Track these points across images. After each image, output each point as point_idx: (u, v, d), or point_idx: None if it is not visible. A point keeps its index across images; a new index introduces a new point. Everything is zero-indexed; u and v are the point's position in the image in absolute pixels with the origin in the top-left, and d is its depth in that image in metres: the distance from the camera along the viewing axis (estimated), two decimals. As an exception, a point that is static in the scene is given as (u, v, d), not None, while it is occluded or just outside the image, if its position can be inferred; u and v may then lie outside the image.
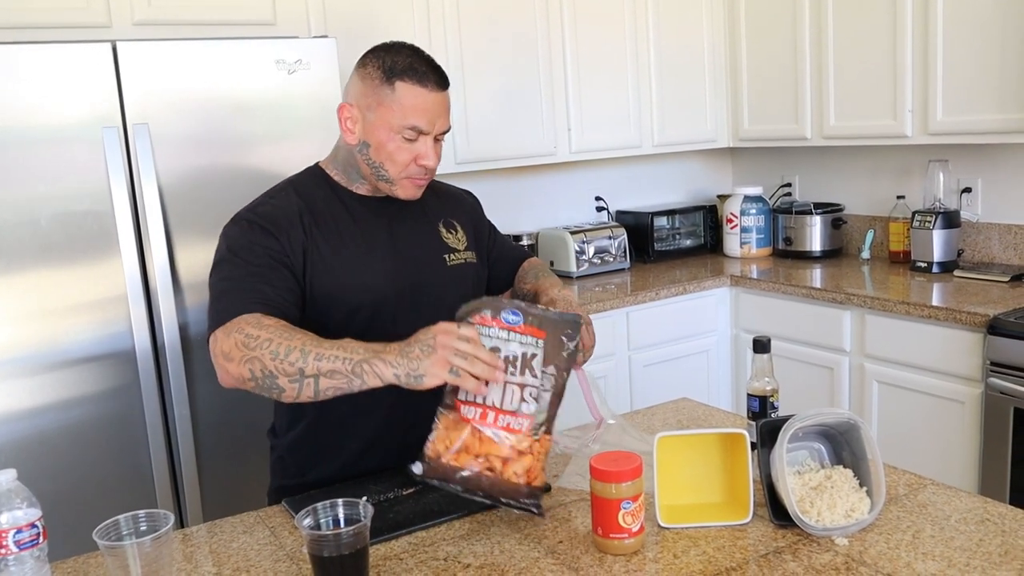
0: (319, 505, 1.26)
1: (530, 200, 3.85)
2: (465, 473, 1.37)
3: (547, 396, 1.40)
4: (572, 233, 3.60)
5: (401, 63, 1.53)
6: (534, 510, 1.37)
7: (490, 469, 1.37)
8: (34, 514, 1.24)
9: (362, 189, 1.65)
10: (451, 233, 1.75)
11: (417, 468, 1.39)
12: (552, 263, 3.68)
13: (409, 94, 1.52)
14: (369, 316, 1.60)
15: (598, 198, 3.98)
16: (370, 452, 1.65)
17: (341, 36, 2.75)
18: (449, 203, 1.80)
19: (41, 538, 1.25)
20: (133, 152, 2.23)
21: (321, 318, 1.56)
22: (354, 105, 1.57)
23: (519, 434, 1.37)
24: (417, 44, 3.33)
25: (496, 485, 1.37)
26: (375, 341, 1.41)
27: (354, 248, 1.60)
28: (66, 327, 2.19)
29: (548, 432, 1.40)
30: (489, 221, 1.91)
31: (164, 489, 2.32)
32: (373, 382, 1.34)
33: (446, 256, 1.71)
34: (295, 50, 2.42)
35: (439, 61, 3.12)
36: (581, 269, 3.60)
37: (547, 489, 1.54)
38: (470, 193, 1.89)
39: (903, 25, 3.08)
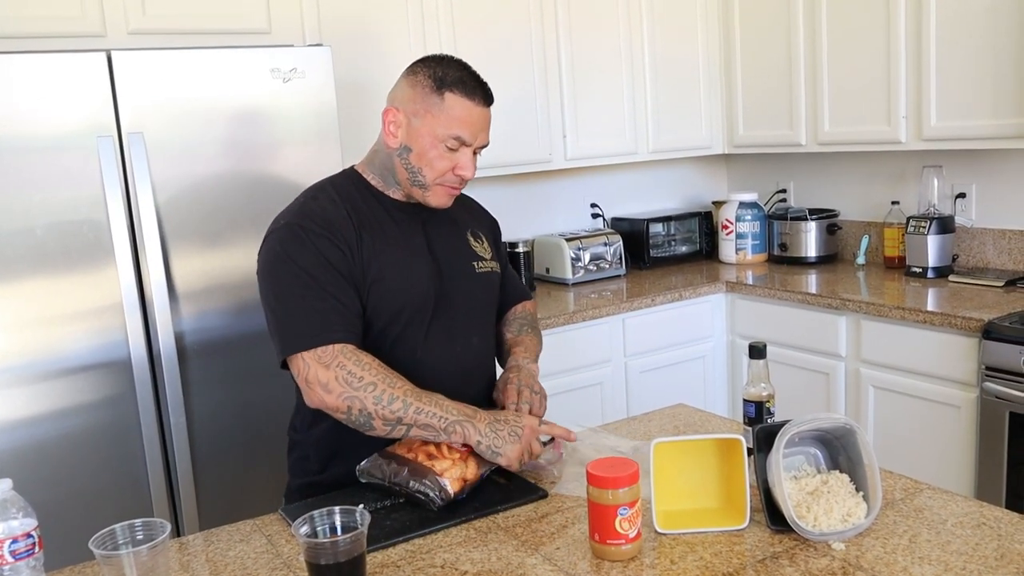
0: (315, 513, 1.26)
1: (526, 207, 3.85)
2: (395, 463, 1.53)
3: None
4: (568, 240, 3.61)
5: (452, 75, 1.59)
6: (430, 492, 1.48)
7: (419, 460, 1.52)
8: (30, 524, 1.24)
9: (396, 195, 1.68)
10: (478, 242, 1.79)
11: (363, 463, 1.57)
12: (547, 270, 3.68)
13: (458, 105, 1.58)
14: (407, 320, 1.63)
15: (593, 205, 3.98)
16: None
17: (336, 44, 2.76)
18: (474, 215, 1.86)
19: (37, 548, 1.25)
20: (128, 161, 2.23)
21: (366, 321, 1.60)
22: (400, 110, 1.61)
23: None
24: (412, 52, 3.36)
25: (415, 472, 1.50)
26: (407, 346, 1.62)
27: (397, 251, 1.64)
28: (62, 336, 2.18)
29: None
30: (502, 246, 1.96)
31: (160, 498, 2.32)
32: (455, 439, 1.52)
33: (475, 263, 1.76)
34: (290, 58, 2.42)
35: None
36: (577, 276, 3.60)
37: (544, 495, 1.55)
38: (488, 213, 1.94)
39: (897, 31, 3.09)
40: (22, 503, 1.25)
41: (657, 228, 3.90)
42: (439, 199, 1.65)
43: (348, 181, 1.69)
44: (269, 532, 1.50)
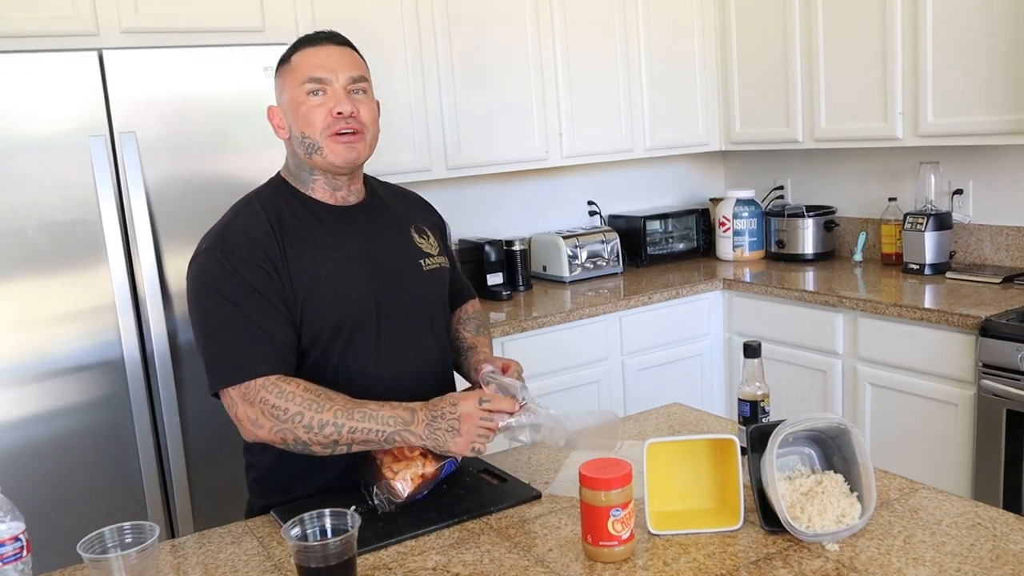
0: (306, 515, 1.25)
1: (522, 205, 3.84)
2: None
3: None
4: (565, 238, 3.59)
5: (297, 43, 1.59)
6: (376, 500, 1.49)
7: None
8: (17, 527, 1.23)
9: (318, 191, 1.62)
10: (423, 239, 1.73)
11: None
12: (544, 268, 3.67)
13: (302, 57, 1.57)
14: (352, 331, 1.57)
15: (590, 202, 3.97)
16: (356, 468, 1.60)
17: (330, 42, 2.74)
18: (418, 210, 1.80)
19: (24, 551, 1.24)
20: (120, 160, 2.22)
21: (306, 337, 1.54)
22: (277, 104, 1.62)
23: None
24: (407, 50, 3.34)
25: (375, 476, 1.50)
26: (357, 359, 1.55)
27: (329, 259, 1.57)
28: (54, 337, 2.17)
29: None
30: (449, 244, 1.90)
31: (154, 498, 2.31)
32: (402, 445, 1.48)
33: (422, 261, 1.69)
34: (283, 56, 2.41)
35: (430, 68, 3.16)
36: (574, 274, 3.59)
37: (537, 496, 1.54)
38: (434, 209, 1.88)
39: (893, 28, 3.08)
40: (9, 507, 1.24)
41: (654, 225, 3.89)
42: (337, 153, 1.54)
43: (274, 190, 1.63)
44: (261, 534, 1.49)
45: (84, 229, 2.19)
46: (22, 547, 1.23)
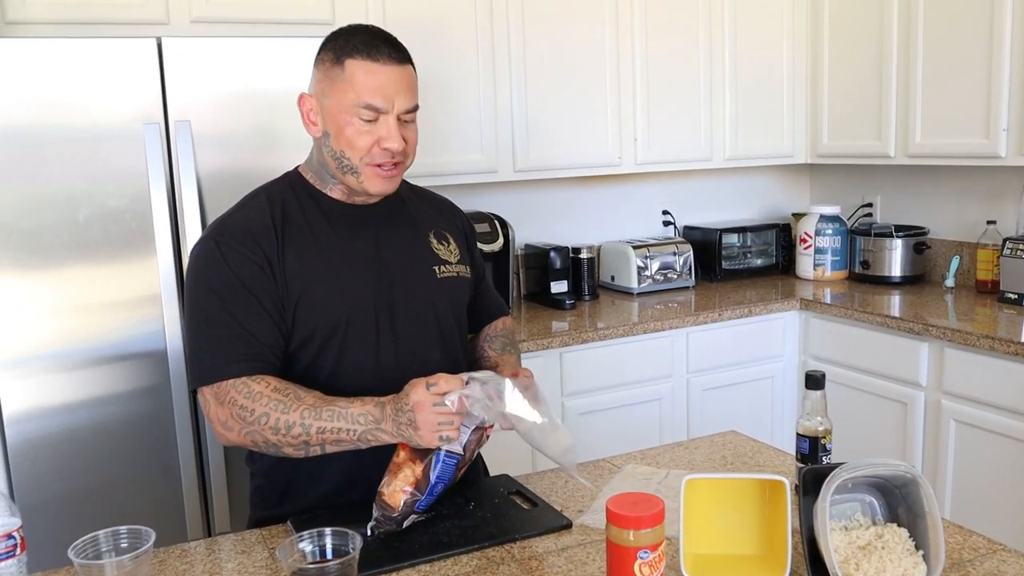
0: (305, 534, 1.17)
1: (593, 212, 3.72)
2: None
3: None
4: (635, 248, 3.46)
5: (352, 42, 1.44)
6: (375, 523, 1.39)
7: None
8: (12, 524, 1.19)
9: (336, 192, 1.54)
10: (443, 244, 1.63)
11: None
12: (613, 278, 3.54)
13: (360, 70, 1.42)
14: (346, 335, 1.49)
15: (665, 212, 3.82)
16: (356, 479, 1.52)
17: (401, 37, 2.67)
18: (443, 214, 1.70)
19: (19, 549, 1.19)
20: (174, 150, 2.19)
21: (299, 338, 1.47)
22: (312, 95, 1.49)
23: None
24: (479, 47, 3.26)
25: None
26: (352, 365, 1.47)
27: (332, 259, 1.50)
28: (100, 325, 2.16)
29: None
30: (480, 253, 1.78)
31: (191, 490, 2.27)
32: (374, 444, 1.39)
33: (436, 268, 1.59)
34: (346, 49, 2.35)
35: (502, 66, 3.07)
36: (643, 285, 3.45)
37: (568, 525, 1.43)
38: (465, 216, 1.77)
39: (1001, 37, 2.84)
40: (6, 503, 1.19)
41: (731, 239, 3.71)
42: (374, 183, 1.46)
43: (286, 184, 1.56)
44: (274, 545, 1.41)
45: (134, 218, 2.17)
46: (16, 544, 1.18)
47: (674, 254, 3.52)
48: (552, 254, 3.30)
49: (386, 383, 1.45)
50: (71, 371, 2.14)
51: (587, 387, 2.97)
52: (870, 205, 3.78)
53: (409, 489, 1.37)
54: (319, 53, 1.49)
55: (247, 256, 1.44)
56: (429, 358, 1.54)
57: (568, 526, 1.43)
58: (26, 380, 2.11)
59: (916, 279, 3.46)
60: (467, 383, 1.35)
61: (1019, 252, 2.95)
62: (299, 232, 1.49)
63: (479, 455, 1.69)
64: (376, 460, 1.48)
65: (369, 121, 1.43)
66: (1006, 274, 3.01)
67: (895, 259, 3.44)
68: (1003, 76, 2.85)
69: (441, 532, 1.41)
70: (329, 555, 1.16)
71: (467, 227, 1.74)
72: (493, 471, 1.76)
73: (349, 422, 1.36)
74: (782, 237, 3.80)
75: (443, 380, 1.34)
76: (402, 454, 1.39)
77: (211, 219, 2.23)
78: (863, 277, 3.53)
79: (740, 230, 3.74)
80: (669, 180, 3.83)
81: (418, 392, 1.33)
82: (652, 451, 1.78)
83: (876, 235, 3.47)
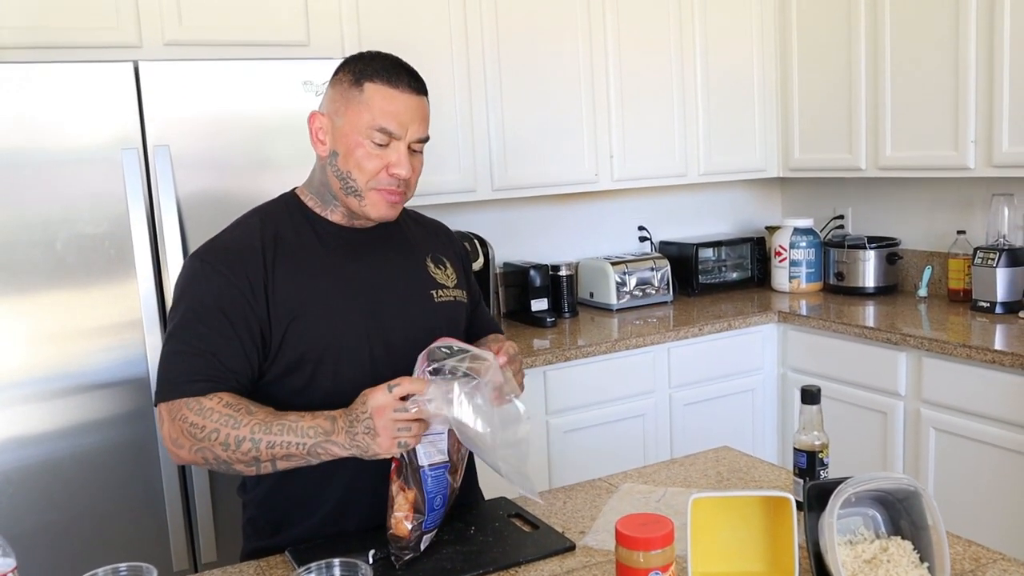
0: (313, 566, 1.15)
1: (570, 229, 3.73)
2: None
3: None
4: (613, 264, 3.47)
5: (373, 66, 1.46)
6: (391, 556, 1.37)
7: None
8: (7, 565, 1.15)
9: (336, 215, 1.54)
10: (440, 269, 1.63)
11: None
12: (592, 295, 3.55)
13: (379, 94, 1.44)
14: (339, 356, 1.47)
15: (641, 228, 3.84)
16: (351, 506, 1.50)
17: (375, 58, 2.67)
18: (440, 239, 1.70)
19: (13, 590, 1.15)
20: (153, 174, 2.16)
21: (290, 361, 1.45)
22: (324, 114, 1.49)
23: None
24: (455, 67, 3.25)
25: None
26: (347, 386, 1.41)
27: (322, 281, 1.48)
28: (79, 352, 2.11)
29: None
30: (473, 279, 1.78)
31: (176, 518, 2.22)
32: (326, 459, 1.36)
33: (433, 292, 1.59)
34: (325, 71, 2.32)
35: (478, 86, 3.07)
36: (622, 301, 3.46)
37: (571, 547, 1.42)
38: (460, 241, 1.77)
39: (966, 50, 2.91)
40: (1, 542, 1.16)
41: (707, 253, 3.74)
42: (377, 208, 1.47)
43: (282, 205, 1.55)
44: (271, 576, 1.39)
45: (113, 243, 2.13)
46: (10, 585, 1.15)
47: (652, 269, 3.53)
48: (532, 272, 3.29)
49: None
50: (50, 400, 2.09)
51: (571, 405, 2.97)
52: (842, 217, 3.83)
53: (409, 515, 1.36)
54: (336, 73, 1.49)
55: (228, 279, 1.43)
56: None
57: (571, 548, 1.42)
58: (3, 410, 2.06)
59: (889, 289, 3.51)
60: (428, 384, 1.31)
61: (989, 261, 3.00)
62: (291, 254, 1.48)
63: (474, 471, 1.67)
64: (370, 487, 1.46)
65: (381, 145, 1.44)
66: (977, 283, 3.06)
67: (868, 270, 3.48)
68: (970, 89, 2.91)
69: (444, 558, 1.39)
70: (337, 586, 1.14)
71: (463, 252, 1.74)
72: (488, 494, 1.74)
73: (299, 436, 1.33)
74: (757, 250, 3.84)
75: (406, 381, 1.31)
76: (392, 487, 1.37)
77: (193, 243, 2.22)
78: (838, 288, 3.57)
79: (716, 244, 3.77)
80: (645, 196, 3.85)
81: (378, 396, 1.30)
82: (647, 469, 1.78)
83: (849, 247, 3.52)
